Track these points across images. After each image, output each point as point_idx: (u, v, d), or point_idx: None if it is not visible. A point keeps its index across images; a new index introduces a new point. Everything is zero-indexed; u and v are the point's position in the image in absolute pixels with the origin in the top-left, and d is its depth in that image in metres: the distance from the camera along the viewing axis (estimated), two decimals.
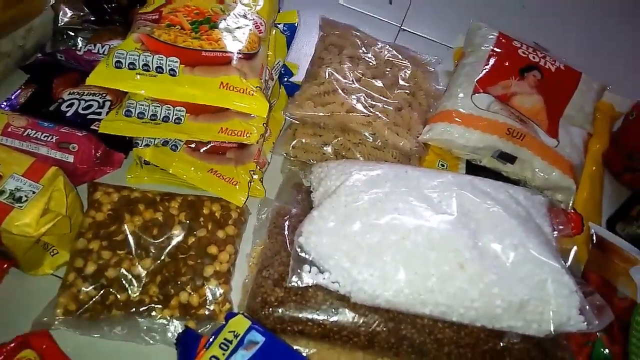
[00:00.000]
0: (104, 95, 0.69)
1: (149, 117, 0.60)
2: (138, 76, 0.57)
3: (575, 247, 0.63)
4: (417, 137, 0.73)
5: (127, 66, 0.57)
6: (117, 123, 0.60)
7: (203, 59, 0.58)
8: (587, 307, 0.54)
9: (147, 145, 0.63)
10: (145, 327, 0.57)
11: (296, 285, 0.54)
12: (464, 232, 0.57)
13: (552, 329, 0.54)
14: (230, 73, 0.58)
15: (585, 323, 0.54)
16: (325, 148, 0.72)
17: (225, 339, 0.47)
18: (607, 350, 0.63)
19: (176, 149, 0.63)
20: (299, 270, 0.55)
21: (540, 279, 0.55)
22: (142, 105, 0.60)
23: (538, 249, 0.56)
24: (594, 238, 0.71)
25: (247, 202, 0.65)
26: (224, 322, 0.48)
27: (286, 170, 0.74)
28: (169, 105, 0.59)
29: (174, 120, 0.59)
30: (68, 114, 0.68)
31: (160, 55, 0.57)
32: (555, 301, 0.54)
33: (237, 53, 0.59)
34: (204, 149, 0.64)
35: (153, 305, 0.58)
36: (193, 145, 0.64)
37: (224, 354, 0.46)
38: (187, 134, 0.59)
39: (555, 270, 0.56)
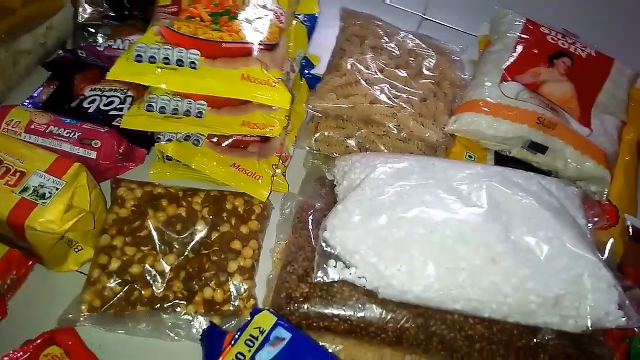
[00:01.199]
0: (125, 90, 0.69)
1: (170, 112, 0.59)
2: (159, 70, 0.57)
3: (612, 240, 0.61)
4: (443, 128, 0.71)
5: (147, 60, 0.56)
6: (138, 118, 0.59)
7: (223, 51, 0.57)
8: (627, 301, 0.52)
9: (169, 140, 0.63)
10: (169, 323, 0.57)
11: (322, 280, 0.53)
12: (495, 225, 0.54)
13: (589, 324, 0.52)
14: (251, 64, 0.57)
15: (625, 318, 0.52)
16: (348, 141, 0.70)
17: (250, 335, 0.46)
18: None
19: (198, 143, 0.62)
20: (324, 266, 0.54)
21: (576, 273, 0.53)
22: (164, 99, 0.59)
23: (573, 241, 0.54)
24: (630, 230, 0.68)
25: (270, 196, 0.64)
26: (249, 318, 0.47)
27: (309, 164, 0.72)
28: (190, 99, 0.58)
29: (196, 114, 0.59)
30: (90, 110, 0.68)
31: (181, 48, 0.56)
32: (592, 296, 0.52)
33: (258, 44, 0.58)
34: (226, 143, 0.63)
35: (177, 301, 0.57)
36: (215, 140, 0.63)
37: (249, 351, 0.45)
38: (208, 127, 0.58)
39: (592, 263, 0.53)
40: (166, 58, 0.56)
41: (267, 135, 0.59)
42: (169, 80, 0.56)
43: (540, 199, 0.58)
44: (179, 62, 0.56)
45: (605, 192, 0.69)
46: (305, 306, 0.55)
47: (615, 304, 0.52)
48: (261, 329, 0.46)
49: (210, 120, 0.59)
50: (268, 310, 0.48)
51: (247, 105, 0.58)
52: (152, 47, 0.56)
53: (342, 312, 0.54)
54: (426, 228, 0.54)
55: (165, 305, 0.57)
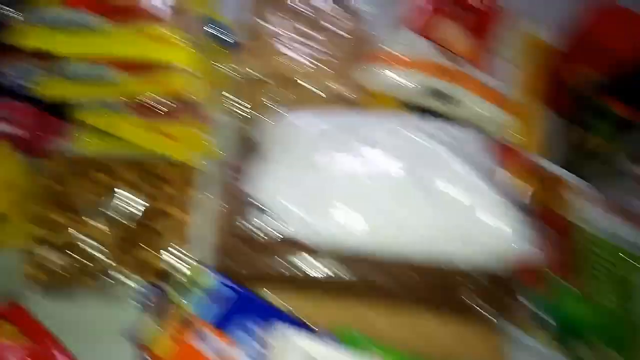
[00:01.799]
0: (36, 61, 0.67)
1: (84, 79, 0.59)
2: (64, 35, 0.56)
3: (517, 179, 0.67)
4: (357, 84, 0.75)
5: (51, 25, 0.56)
6: (54, 87, 0.59)
7: (129, 13, 0.57)
8: (531, 233, 0.58)
9: (88, 109, 0.63)
10: (113, 290, 0.58)
11: (248, 228, 0.56)
12: (407, 169, 0.59)
13: (495, 254, 0.58)
14: (156, 25, 0.57)
15: (530, 248, 0.58)
16: (270, 102, 0.73)
17: (188, 290, 0.49)
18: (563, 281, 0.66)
19: (119, 110, 0.63)
20: (248, 215, 0.57)
21: (479, 207, 0.58)
22: (77, 67, 0.59)
23: (479, 181, 0.60)
24: (537, 171, 0.75)
25: (197, 159, 0.66)
26: (191, 280, 0.49)
27: (235, 126, 0.74)
28: (102, 65, 0.59)
29: (110, 80, 0.59)
30: (4, 85, 0.66)
31: (85, 12, 0.56)
32: (499, 230, 0.58)
33: (163, 5, 0.59)
34: (147, 109, 0.64)
35: (117, 268, 0.59)
36: (135, 106, 0.63)
37: (188, 304, 0.48)
38: (125, 91, 0.59)
39: (497, 201, 0.59)
40: (71, 22, 0.56)
41: (183, 96, 0.61)
42: (76, 45, 0.56)
43: (445, 142, 0.64)
44: (85, 27, 0.56)
45: (507, 134, 0.75)
46: (245, 266, 0.58)
47: (521, 236, 0.58)
48: (199, 285, 0.49)
49: (126, 84, 0.59)
50: (209, 271, 0.50)
51: (160, 67, 0.59)
52: (55, 11, 0.56)
53: (282, 270, 0.57)
54: (344, 178, 0.59)
55: (105, 273, 0.58)
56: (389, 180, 0.59)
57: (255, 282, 0.57)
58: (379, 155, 0.59)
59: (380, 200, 0.58)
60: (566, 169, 0.76)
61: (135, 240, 0.59)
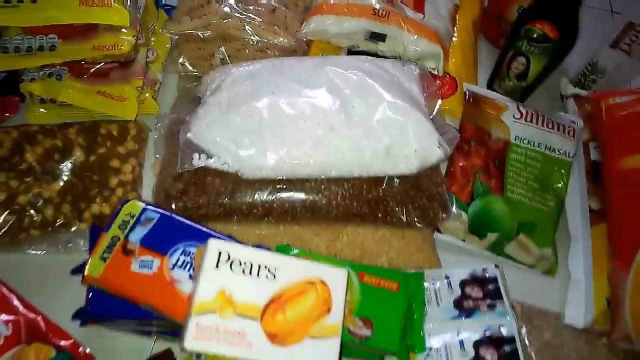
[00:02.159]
0: None
1: (25, 50, 0.63)
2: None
3: (440, 101, 0.71)
4: (296, 34, 0.78)
5: None
6: None
7: None
8: (443, 141, 0.62)
9: (32, 79, 0.67)
10: (65, 240, 0.62)
11: (187, 169, 0.60)
12: (333, 100, 0.63)
13: (416, 165, 0.62)
14: None
15: (443, 153, 0.62)
16: (212, 60, 0.76)
17: (122, 220, 0.53)
18: (485, 184, 0.71)
19: (61, 78, 0.67)
20: (189, 157, 0.61)
21: (402, 126, 0.62)
22: (16, 40, 0.63)
23: (400, 102, 0.63)
24: (467, 95, 0.79)
25: (146, 120, 0.69)
26: (119, 208, 0.53)
27: (180, 87, 0.78)
28: (41, 35, 0.63)
29: (49, 48, 0.63)
30: None
31: None
32: (416, 142, 0.62)
33: None
34: (88, 74, 0.67)
35: (69, 221, 0.63)
36: (77, 72, 0.67)
37: (123, 232, 0.52)
38: (63, 57, 0.63)
39: (415, 117, 0.63)
40: None
41: (117, 54, 0.64)
42: (12, 18, 0.60)
43: (372, 73, 0.67)
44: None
45: (441, 67, 0.78)
46: (183, 200, 0.62)
47: (436, 145, 0.62)
48: (131, 214, 0.53)
49: (63, 50, 0.63)
50: (136, 199, 0.54)
51: (95, 30, 0.63)
52: None
53: (215, 199, 0.62)
54: (274, 112, 0.62)
55: (57, 227, 0.62)
56: (320, 112, 0.62)
57: (197, 218, 0.61)
58: (312, 91, 0.63)
59: (312, 130, 0.61)
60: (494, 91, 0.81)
61: (85, 194, 0.63)
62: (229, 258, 0.49)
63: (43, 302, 0.58)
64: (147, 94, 0.71)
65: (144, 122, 0.71)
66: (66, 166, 0.65)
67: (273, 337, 0.47)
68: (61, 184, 0.64)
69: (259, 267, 0.50)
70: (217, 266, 0.48)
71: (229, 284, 0.48)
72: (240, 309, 0.47)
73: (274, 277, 0.50)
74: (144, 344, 0.59)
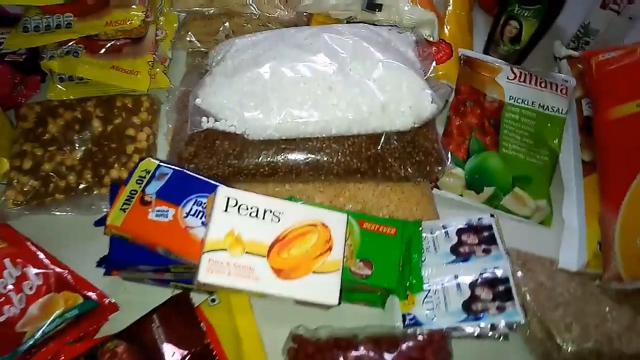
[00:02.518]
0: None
1: (44, 28, 0.68)
2: None
3: (434, 63, 0.74)
4: (296, 7, 0.82)
5: None
6: (19, 39, 0.69)
7: None
8: (436, 97, 0.66)
9: (52, 57, 0.72)
10: (88, 203, 0.68)
11: (196, 130, 0.65)
12: (331, 63, 0.67)
13: (412, 120, 0.66)
14: None
15: (436, 107, 0.65)
16: (217, 36, 0.81)
17: (139, 176, 0.58)
18: (480, 141, 0.75)
19: (78, 55, 0.72)
20: (198, 120, 0.65)
21: (397, 84, 0.66)
22: (36, 19, 0.68)
23: (394, 62, 0.67)
24: (462, 59, 0.82)
25: (158, 94, 0.75)
26: (135, 166, 0.58)
27: (189, 62, 0.83)
28: (58, 14, 0.68)
29: (66, 25, 0.68)
30: None
31: None
32: (411, 98, 0.65)
33: None
34: (102, 50, 0.73)
35: (90, 185, 0.68)
36: (92, 49, 0.72)
37: (140, 186, 0.57)
38: (79, 33, 0.68)
39: (409, 75, 0.66)
40: None
41: (128, 29, 0.69)
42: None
43: (369, 38, 0.71)
44: None
45: (436, 33, 0.81)
46: (195, 161, 0.67)
47: (429, 101, 0.66)
48: (147, 170, 0.58)
49: (79, 27, 0.68)
50: (150, 158, 0.59)
51: (107, 8, 0.68)
52: None
53: (224, 160, 0.66)
54: (276, 76, 0.66)
55: (80, 191, 0.68)
56: (319, 75, 0.66)
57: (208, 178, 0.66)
58: (311, 56, 0.66)
59: (312, 91, 0.65)
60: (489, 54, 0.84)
61: (104, 161, 0.68)
62: (236, 203, 0.53)
63: (71, 257, 0.64)
64: (157, 69, 0.76)
65: (156, 95, 0.76)
66: (86, 136, 0.70)
67: (279, 272, 0.51)
68: (82, 152, 0.69)
69: (265, 211, 0.54)
70: (226, 210, 0.52)
71: (238, 225, 0.52)
72: (248, 247, 0.52)
73: (279, 219, 0.54)
74: (163, 295, 0.64)
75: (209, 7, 0.79)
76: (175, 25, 0.82)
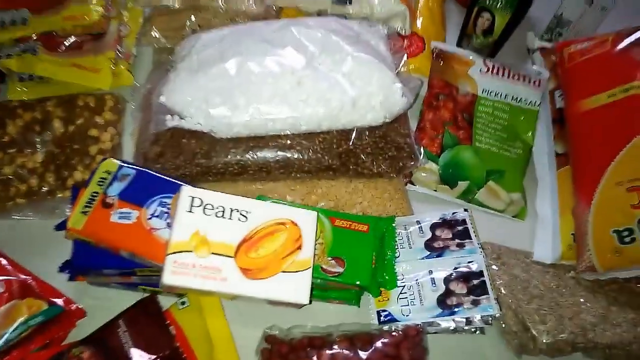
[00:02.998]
0: None
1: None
2: None
3: (405, 56, 0.73)
4: (263, 1, 0.80)
5: None
6: None
7: None
8: (407, 91, 0.65)
9: (8, 55, 0.69)
10: (51, 207, 0.65)
11: (161, 129, 0.63)
12: (299, 57, 0.65)
13: (383, 114, 0.64)
14: None
15: (407, 100, 0.64)
16: (184, 31, 0.78)
17: (100, 177, 0.55)
18: (454, 135, 0.74)
19: (36, 52, 0.69)
20: (162, 119, 0.63)
21: (367, 78, 0.64)
22: None
23: (364, 55, 0.66)
24: (434, 52, 0.81)
25: (123, 92, 0.73)
26: (96, 167, 0.56)
27: (156, 59, 0.80)
28: (12, 10, 0.65)
29: (21, 21, 0.66)
30: None
31: None
32: (381, 92, 0.64)
33: None
34: (61, 47, 0.70)
35: (53, 189, 0.65)
36: (51, 46, 0.69)
37: (101, 188, 0.55)
38: (35, 29, 0.66)
39: (379, 69, 0.65)
40: None
41: (87, 24, 0.67)
42: None
43: (339, 32, 0.69)
44: None
45: (408, 26, 0.81)
46: (160, 161, 0.65)
47: (400, 94, 0.65)
48: (108, 171, 0.56)
49: (35, 22, 0.66)
50: (111, 158, 0.57)
51: (63, 3, 0.65)
52: None
53: (191, 159, 0.64)
54: (243, 72, 0.64)
55: (42, 194, 0.65)
56: (287, 70, 0.64)
57: (176, 178, 0.64)
58: (278, 50, 0.65)
59: (280, 87, 0.64)
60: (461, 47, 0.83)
61: (66, 163, 0.66)
62: (201, 203, 0.52)
63: (35, 262, 0.61)
64: (122, 67, 0.74)
65: (120, 94, 0.74)
66: (47, 137, 0.67)
67: (247, 272, 0.50)
68: (43, 154, 0.66)
69: (231, 210, 0.52)
70: (190, 210, 0.51)
71: (203, 226, 0.50)
72: (215, 248, 0.50)
73: (246, 219, 0.52)
74: (131, 299, 0.62)
75: (175, 1, 0.76)
76: (140, 20, 0.80)
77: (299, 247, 0.53)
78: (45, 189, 0.65)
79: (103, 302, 0.61)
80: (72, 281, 0.58)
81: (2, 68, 0.70)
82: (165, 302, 0.59)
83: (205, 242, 0.50)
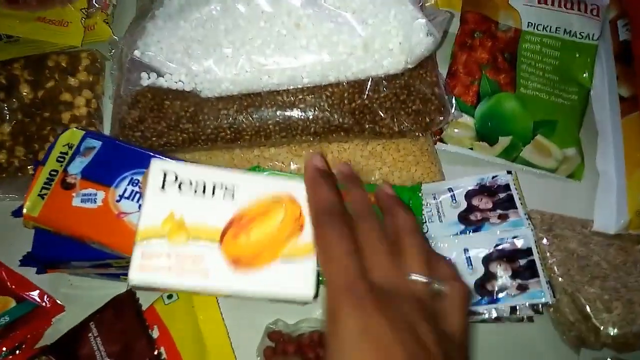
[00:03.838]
0: None
1: None
2: None
3: None
4: None
5: None
6: None
7: None
8: (432, 26, 0.52)
9: None
10: (23, 183, 0.56)
11: (134, 89, 0.53)
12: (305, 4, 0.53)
13: (404, 59, 0.52)
14: None
15: (433, 40, 0.52)
16: None
17: (60, 152, 0.46)
18: (493, 81, 0.61)
19: None
20: (136, 77, 0.53)
21: (382, 14, 0.52)
22: None
23: None
24: None
25: (102, 48, 0.63)
26: (54, 140, 0.46)
27: (139, 7, 0.69)
28: None
29: None
30: None
31: None
32: (400, 31, 0.52)
33: None
34: None
35: (24, 164, 0.57)
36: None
37: (61, 165, 0.45)
38: None
39: (398, 2, 0.53)
40: None
41: None
42: None
43: None
44: None
45: None
46: (141, 128, 0.55)
47: (424, 33, 0.52)
48: (70, 145, 0.47)
49: None
50: (74, 128, 0.47)
51: None
52: None
53: (175, 125, 0.54)
54: (230, 15, 0.53)
55: (11, 171, 0.57)
56: (282, 10, 0.53)
57: (159, 148, 0.54)
58: None
59: (274, 31, 0.52)
60: None
61: (38, 133, 0.57)
62: (176, 179, 0.41)
63: (5, 251, 0.53)
64: (98, 18, 0.63)
65: (98, 51, 0.63)
66: (13, 105, 0.58)
67: (236, 262, 0.40)
68: (10, 125, 0.58)
69: (214, 186, 0.42)
70: (162, 188, 0.41)
71: (179, 207, 0.40)
72: (194, 233, 0.40)
73: (232, 196, 0.42)
74: (116, 290, 0.53)
75: None
76: None
77: (300, 228, 0.42)
78: (15, 164, 0.57)
79: (84, 293, 0.54)
80: (41, 274, 0.49)
81: None
82: (150, 295, 0.50)
83: (181, 226, 0.40)
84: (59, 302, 0.53)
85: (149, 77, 0.53)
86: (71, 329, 0.46)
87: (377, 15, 0.52)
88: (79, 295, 0.54)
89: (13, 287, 0.52)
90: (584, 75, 0.63)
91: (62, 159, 0.46)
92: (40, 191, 0.45)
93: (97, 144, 0.46)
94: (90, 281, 0.54)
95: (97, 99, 0.62)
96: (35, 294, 0.52)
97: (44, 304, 0.52)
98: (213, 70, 0.52)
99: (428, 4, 0.61)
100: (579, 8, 0.65)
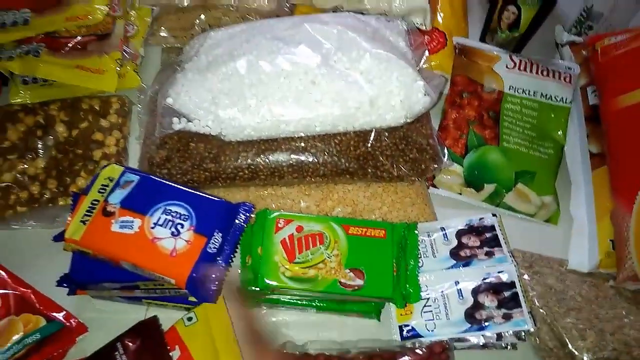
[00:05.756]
0: None
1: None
2: None
3: (426, 52, 0.69)
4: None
5: None
6: None
7: None
8: (429, 88, 0.60)
9: (10, 57, 0.66)
10: (52, 215, 0.62)
11: (166, 132, 0.59)
12: (313, 55, 0.61)
13: (403, 114, 0.60)
14: None
15: (429, 99, 0.60)
16: (193, 30, 0.75)
17: (102, 184, 0.52)
18: (479, 135, 0.69)
19: (38, 54, 0.66)
20: (168, 122, 0.60)
21: (386, 76, 0.60)
22: None
23: (383, 52, 0.61)
24: (457, 48, 0.77)
25: (130, 94, 0.70)
26: (97, 173, 0.52)
27: (164, 59, 0.77)
28: (13, 10, 0.62)
29: (22, 22, 0.63)
30: None
31: None
32: (401, 91, 0.60)
33: None
34: (65, 48, 0.67)
35: (55, 196, 0.62)
36: (54, 48, 0.66)
37: (102, 195, 0.51)
38: (37, 29, 0.63)
39: (399, 66, 0.61)
40: None
41: (91, 24, 0.64)
42: None
43: (355, 28, 0.65)
44: None
45: (428, 21, 0.76)
46: (167, 166, 0.61)
47: (422, 93, 0.60)
48: (110, 178, 0.52)
49: (37, 23, 0.63)
50: (115, 163, 0.53)
51: (67, 2, 0.62)
52: None
53: (199, 164, 0.61)
54: (254, 71, 0.60)
55: (43, 202, 0.62)
56: (300, 68, 0.60)
57: (176, 181, 0.60)
58: (291, 48, 0.61)
59: (293, 86, 0.60)
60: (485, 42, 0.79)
61: (70, 168, 0.62)
62: None
63: (34, 275, 0.58)
64: (128, 68, 0.71)
65: (126, 96, 0.70)
66: (49, 142, 0.64)
67: None
68: (45, 160, 0.63)
69: None
70: None
71: None
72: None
73: None
74: (136, 314, 0.58)
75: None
76: (147, 19, 0.76)
77: None
78: (46, 196, 0.62)
79: (107, 316, 0.58)
80: (72, 295, 0.54)
81: (3, 70, 0.67)
82: (173, 315, 0.55)
83: None
84: (82, 322, 0.57)
85: (180, 122, 0.60)
86: (99, 348, 0.50)
87: (381, 77, 0.60)
88: (101, 318, 0.58)
89: (41, 308, 0.56)
90: (559, 133, 0.72)
91: (103, 190, 0.51)
92: (82, 218, 0.50)
93: (135, 178, 0.52)
94: (112, 305, 0.58)
95: (125, 139, 0.68)
96: (61, 315, 0.56)
97: (69, 324, 0.56)
98: (237, 118, 0.59)
99: (424, 66, 0.69)
100: (554, 75, 0.74)
